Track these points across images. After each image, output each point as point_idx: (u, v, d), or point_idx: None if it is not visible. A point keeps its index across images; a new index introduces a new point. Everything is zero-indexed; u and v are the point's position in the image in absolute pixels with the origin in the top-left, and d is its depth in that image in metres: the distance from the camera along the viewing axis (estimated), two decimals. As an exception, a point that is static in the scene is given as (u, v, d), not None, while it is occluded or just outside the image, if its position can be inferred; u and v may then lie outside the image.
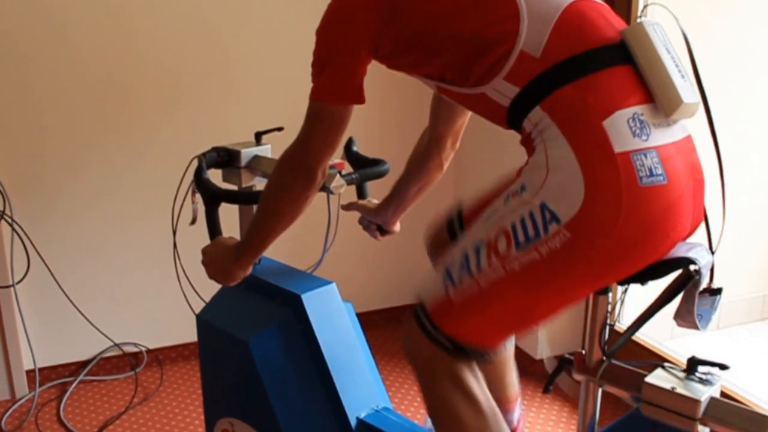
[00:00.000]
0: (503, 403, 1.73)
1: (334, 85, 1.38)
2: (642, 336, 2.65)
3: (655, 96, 1.22)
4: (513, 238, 1.23)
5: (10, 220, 2.56)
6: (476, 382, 1.38)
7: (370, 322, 3.28)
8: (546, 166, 1.20)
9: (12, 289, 2.65)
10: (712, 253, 1.31)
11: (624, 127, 1.18)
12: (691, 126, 1.30)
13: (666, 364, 1.31)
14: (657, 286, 1.33)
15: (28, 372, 2.78)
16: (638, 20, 1.26)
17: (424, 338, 1.35)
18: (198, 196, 1.79)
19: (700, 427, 1.22)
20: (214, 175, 1.80)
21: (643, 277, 1.27)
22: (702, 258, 1.24)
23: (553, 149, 1.20)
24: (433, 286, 1.35)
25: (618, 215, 1.16)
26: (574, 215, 1.17)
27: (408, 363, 1.42)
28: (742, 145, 2.89)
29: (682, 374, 1.27)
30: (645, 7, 2.27)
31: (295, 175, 1.45)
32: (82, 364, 2.90)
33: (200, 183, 1.75)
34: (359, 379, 1.81)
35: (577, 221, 1.17)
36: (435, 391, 1.38)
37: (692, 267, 1.23)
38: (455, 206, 1.69)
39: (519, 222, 1.22)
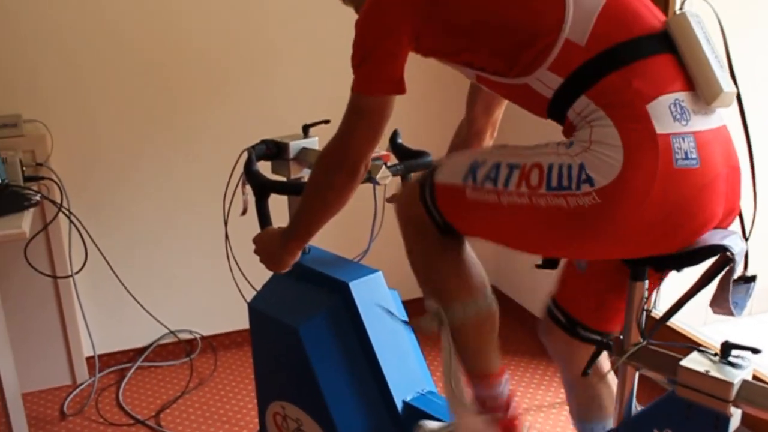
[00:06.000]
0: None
1: (376, 76, 1.36)
2: (677, 323, 2.69)
3: (697, 84, 1.24)
4: (546, 178, 1.25)
5: (67, 212, 2.63)
6: (460, 245, 1.47)
7: (416, 309, 3.29)
8: (589, 140, 1.23)
9: (71, 279, 2.73)
10: (746, 240, 1.33)
11: (666, 111, 1.20)
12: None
13: (700, 347, 1.33)
14: (692, 276, 1.35)
15: (87, 359, 2.87)
16: (681, 11, 1.28)
17: (419, 204, 1.43)
18: (248, 187, 1.83)
19: (732, 409, 1.24)
20: (264, 168, 1.84)
21: (679, 263, 1.30)
22: (736, 245, 1.25)
23: (597, 127, 1.22)
24: (454, 172, 1.39)
25: (649, 192, 1.19)
26: (607, 184, 1.20)
27: (397, 218, 1.50)
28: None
29: (715, 358, 1.29)
30: (684, -2, 2.27)
31: (338, 171, 1.45)
32: (140, 351, 3.00)
33: (250, 174, 1.79)
34: (405, 363, 1.85)
35: (609, 190, 1.20)
36: (419, 244, 1.49)
37: (727, 254, 1.25)
38: None
39: (557, 166, 1.25)
